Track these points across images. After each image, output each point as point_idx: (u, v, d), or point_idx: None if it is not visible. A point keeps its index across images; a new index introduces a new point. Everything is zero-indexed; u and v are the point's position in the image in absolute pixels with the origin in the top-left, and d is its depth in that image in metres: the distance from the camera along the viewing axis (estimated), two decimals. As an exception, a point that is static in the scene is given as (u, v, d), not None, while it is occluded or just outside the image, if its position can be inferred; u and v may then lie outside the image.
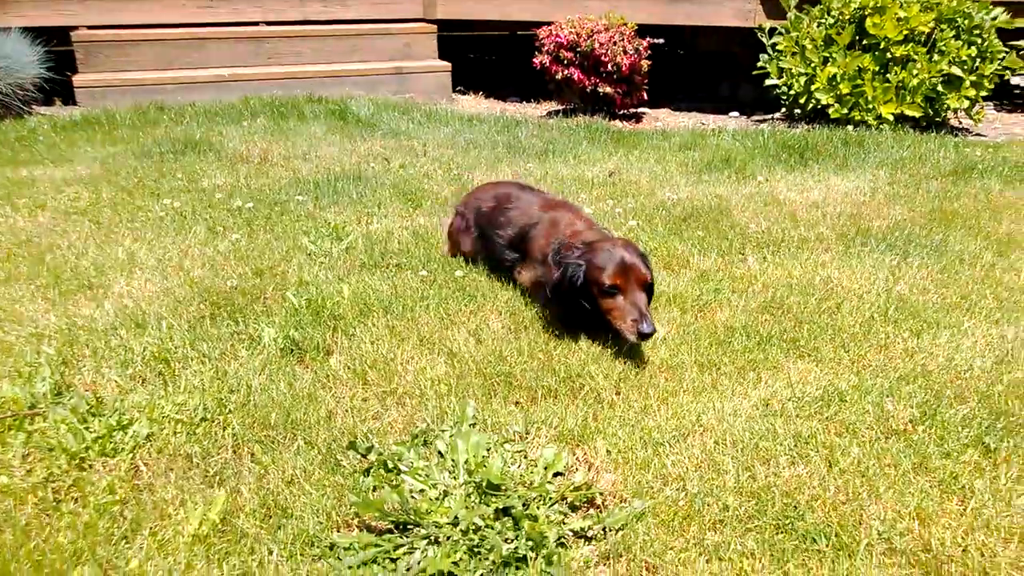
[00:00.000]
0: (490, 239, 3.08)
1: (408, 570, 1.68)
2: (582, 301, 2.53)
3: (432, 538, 1.77)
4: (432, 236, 3.69)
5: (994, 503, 1.96)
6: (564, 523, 1.83)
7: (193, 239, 3.62)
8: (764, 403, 2.38)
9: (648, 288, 2.49)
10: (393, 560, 1.72)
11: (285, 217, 3.92)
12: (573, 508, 1.91)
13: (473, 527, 1.76)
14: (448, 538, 1.75)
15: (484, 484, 1.87)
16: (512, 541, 1.74)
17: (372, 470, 1.96)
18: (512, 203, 3.05)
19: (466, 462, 1.96)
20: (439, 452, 2.06)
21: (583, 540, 1.81)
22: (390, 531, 1.82)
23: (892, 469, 2.09)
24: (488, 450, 2.03)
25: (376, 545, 1.75)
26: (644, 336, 2.37)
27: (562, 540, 1.78)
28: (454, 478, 1.94)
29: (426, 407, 2.28)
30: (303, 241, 3.51)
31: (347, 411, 2.27)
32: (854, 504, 1.93)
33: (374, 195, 4.33)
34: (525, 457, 2.09)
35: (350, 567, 1.68)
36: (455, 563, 1.69)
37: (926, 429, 2.27)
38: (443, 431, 2.13)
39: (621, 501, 1.94)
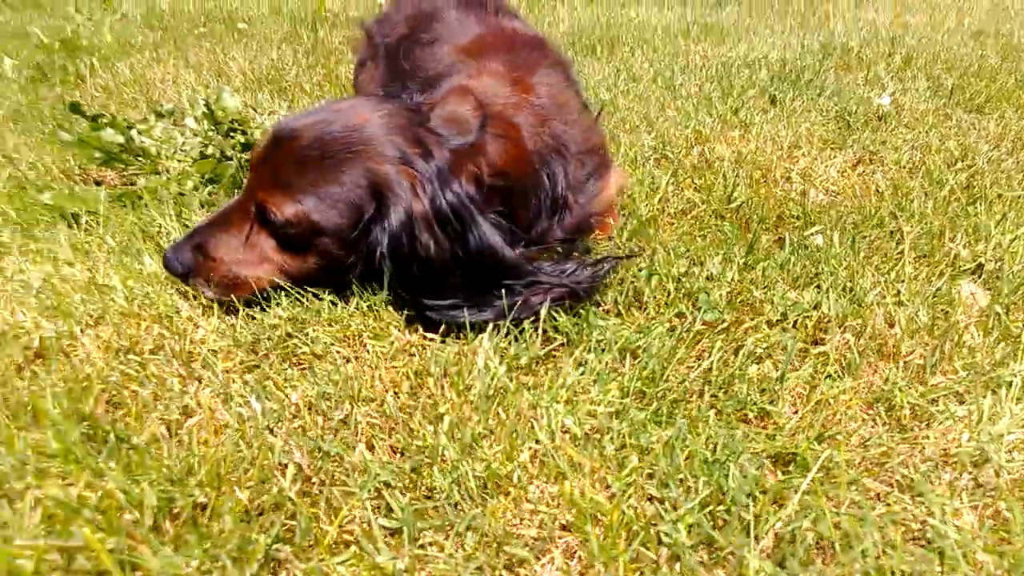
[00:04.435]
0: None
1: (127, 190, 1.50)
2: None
3: (161, 172, 1.59)
4: None
5: (773, 129, 1.94)
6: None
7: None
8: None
9: None
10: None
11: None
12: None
13: (202, 145, 1.59)
14: (179, 172, 1.58)
15: (227, 120, 1.69)
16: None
17: (100, 127, 1.73)
18: (429, 31, 1.61)
19: (208, 109, 1.76)
20: (188, 128, 1.84)
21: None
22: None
23: (675, 113, 2.04)
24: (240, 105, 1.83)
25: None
26: None
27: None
28: (194, 131, 1.73)
29: (181, 100, 2.06)
30: (70, 12, 3.13)
31: (91, 113, 2.02)
32: (632, 136, 1.87)
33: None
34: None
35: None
36: (185, 191, 1.51)
37: (714, 88, 2.24)
38: (193, 107, 1.90)
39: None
